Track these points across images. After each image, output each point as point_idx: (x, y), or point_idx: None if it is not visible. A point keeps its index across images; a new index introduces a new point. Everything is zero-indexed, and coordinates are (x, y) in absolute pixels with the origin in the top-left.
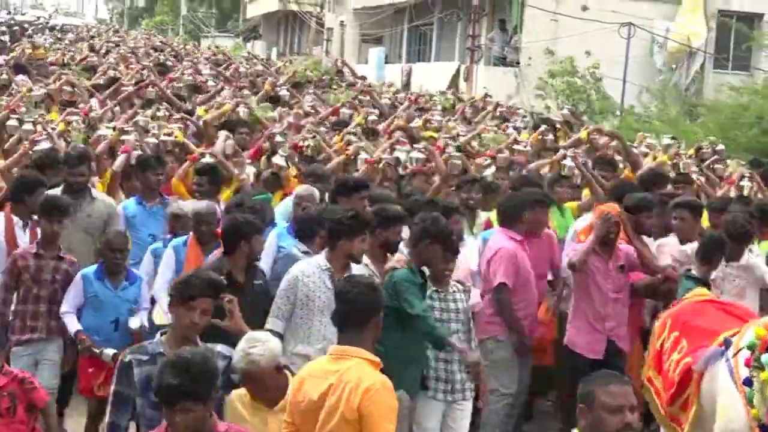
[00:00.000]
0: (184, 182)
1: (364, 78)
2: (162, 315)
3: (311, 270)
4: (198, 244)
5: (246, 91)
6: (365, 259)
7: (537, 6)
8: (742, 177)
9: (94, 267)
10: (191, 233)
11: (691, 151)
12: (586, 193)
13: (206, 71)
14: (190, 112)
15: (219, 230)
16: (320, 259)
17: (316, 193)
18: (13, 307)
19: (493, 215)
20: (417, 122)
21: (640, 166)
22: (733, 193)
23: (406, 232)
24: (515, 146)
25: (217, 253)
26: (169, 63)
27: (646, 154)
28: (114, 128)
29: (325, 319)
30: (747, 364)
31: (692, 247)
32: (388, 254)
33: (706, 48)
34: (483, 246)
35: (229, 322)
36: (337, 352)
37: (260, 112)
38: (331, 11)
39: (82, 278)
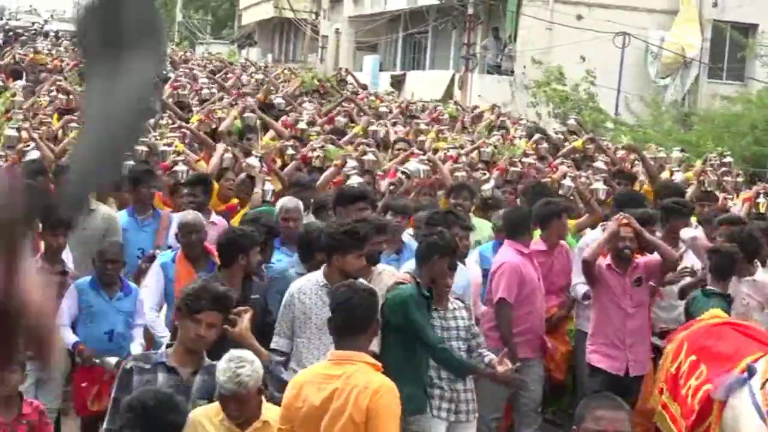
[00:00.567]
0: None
1: (365, 87)
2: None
3: (308, 287)
4: (188, 261)
5: (250, 99)
6: None
7: (532, 15)
8: (758, 194)
9: (88, 278)
10: (179, 249)
11: (698, 163)
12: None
13: (203, 79)
14: (188, 121)
15: (207, 245)
16: (318, 275)
17: (301, 204)
18: None
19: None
20: (430, 133)
21: (658, 178)
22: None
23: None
24: (524, 159)
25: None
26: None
27: (659, 167)
28: None
29: (324, 338)
30: None
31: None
32: (372, 266)
33: (701, 58)
34: (479, 259)
35: (236, 330)
36: (337, 357)
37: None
38: (327, 19)
39: (76, 289)
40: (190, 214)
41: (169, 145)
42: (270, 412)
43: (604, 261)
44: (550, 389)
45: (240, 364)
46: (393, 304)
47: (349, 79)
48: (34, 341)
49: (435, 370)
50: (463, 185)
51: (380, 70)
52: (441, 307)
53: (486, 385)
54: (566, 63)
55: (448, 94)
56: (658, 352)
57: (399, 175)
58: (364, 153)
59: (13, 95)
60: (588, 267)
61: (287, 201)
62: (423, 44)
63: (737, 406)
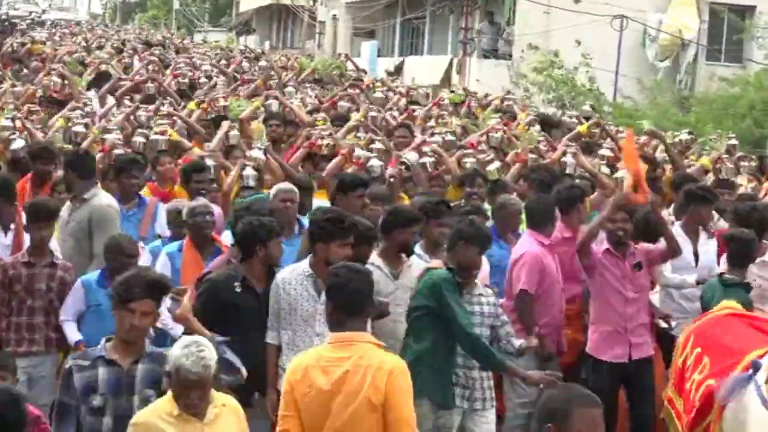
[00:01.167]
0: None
1: (365, 72)
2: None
3: (293, 277)
4: (195, 248)
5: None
6: (378, 260)
7: None
8: None
9: (95, 274)
10: (186, 238)
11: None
12: None
13: (206, 66)
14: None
15: (214, 234)
16: (304, 264)
17: (295, 188)
18: (6, 320)
19: None
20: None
21: (681, 164)
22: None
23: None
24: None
25: (220, 259)
26: (169, 57)
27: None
28: (86, 125)
29: (310, 330)
30: None
31: None
32: (403, 256)
33: (699, 40)
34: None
35: (177, 312)
36: (341, 340)
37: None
38: (324, 5)
39: (83, 285)
40: (197, 201)
41: (162, 133)
42: (221, 398)
43: (600, 247)
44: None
45: (200, 348)
46: (425, 288)
47: (349, 64)
48: None
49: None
50: (477, 173)
51: (378, 56)
52: (467, 292)
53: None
54: (564, 47)
55: (447, 79)
56: (663, 336)
57: (399, 165)
58: (372, 141)
59: (12, 86)
60: (584, 249)
61: (283, 183)
62: (421, 29)
63: (742, 405)
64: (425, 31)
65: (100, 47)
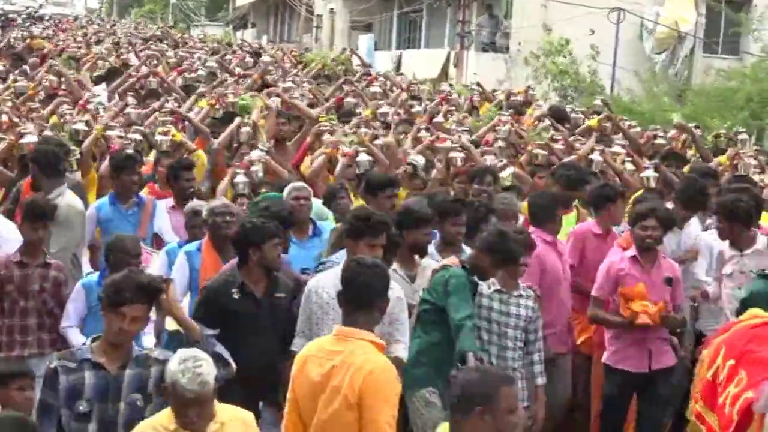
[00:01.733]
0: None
1: (363, 65)
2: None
3: (327, 281)
4: (214, 249)
5: (281, 85)
6: (393, 263)
7: None
8: None
9: (95, 276)
10: (205, 238)
11: (709, 139)
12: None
13: (211, 63)
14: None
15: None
16: (338, 268)
17: (309, 187)
18: None
19: None
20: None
21: (710, 159)
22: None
23: None
24: (553, 144)
25: (230, 264)
26: (169, 53)
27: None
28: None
29: None
30: None
31: None
32: (417, 257)
33: (696, 32)
34: None
35: (164, 302)
36: (342, 333)
37: (251, 101)
38: None
39: (83, 288)
40: (218, 201)
41: (165, 133)
42: (225, 412)
43: (627, 253)
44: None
45: (197, 363)
46: (436, 285)
47: (354, 59)
48: None
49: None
50: (486, 169)
51: (375, 50)
52: (506, 290)
53: (554, 376)
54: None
55: (444, 73)
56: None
57: (406, 166)
58: (375, 137)
59: (15, 81)
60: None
61: (295, 182)
62: (418, 23)
63: None
64: (422, 24)
65: (99, 42)
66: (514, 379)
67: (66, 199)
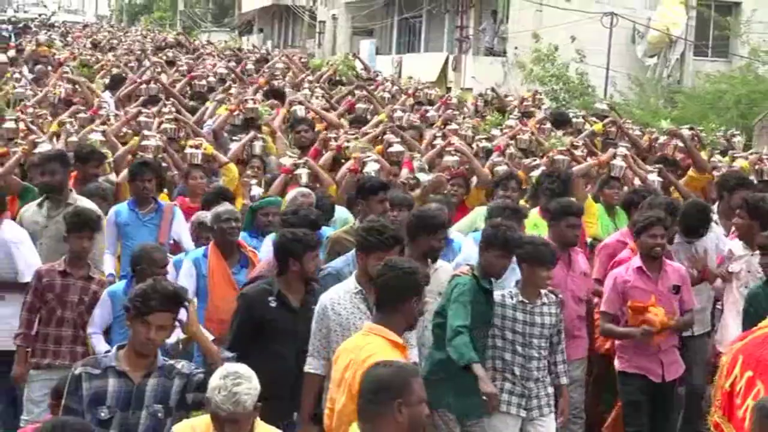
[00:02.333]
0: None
1: (368, 70)
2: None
3: (342, 295)
4: (220, 255)
5: (300, 93)
6: None
7: None
8: None
9: (121, 284)
10: (210, 243)
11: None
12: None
13: (222, 69)
14: (195, 110)
15: (240, 240)
16: (351, 282)
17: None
18: (34, 329)
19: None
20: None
21: (706, 165)
22: None
23: None
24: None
25: (263, 265)
26: (179, 61)
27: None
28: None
29: None
30: None
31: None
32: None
33: (686, 36)
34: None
35: (188, 325)
36: (367, 329)
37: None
38: (324, 5)
39: (109, 297)
40: (222, 207)
41: (197, 146)
42: (262, 429)
43: (633, 264)
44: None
45: (236, 381)
46: (445, 296)
47: (357, 63)
48: None
49: (501, 362)
50: (511, 175)
51: (376, 54)
52: (529, 301)
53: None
54: (556, 43)
55: (443, 76)
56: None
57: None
58: (390, 145)
59: (13, 87)
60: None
61: (302, 188)
62: (417, 28)
63: None
64: (422, 29)
65: (112, 49)
66: (419, 371)
67: (79, 204)
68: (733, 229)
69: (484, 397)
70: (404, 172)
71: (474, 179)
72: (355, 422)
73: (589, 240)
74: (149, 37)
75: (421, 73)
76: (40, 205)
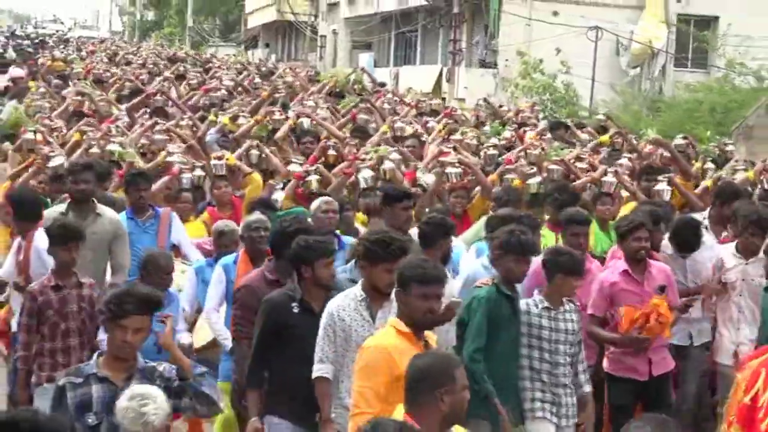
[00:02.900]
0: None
1: (383, 84)
2: (201, 337)
3: (347, 303)
4: (250, 262)
5: (307, 104)
6: None
7: (512, 12)
8: None
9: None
10: (242, 250)
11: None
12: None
13: (227, 81)
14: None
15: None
16: (357, 289)
17: (336, 202)
18: (37, 346)
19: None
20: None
21: (690, 172)
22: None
23: None
24: (578, 163)
25: (255, 273)
26: (191, 74)
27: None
28: (121, 144)
29: None
30: None
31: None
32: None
33: (667, 48)
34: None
35: (161, 338)
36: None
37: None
38: (325, 20)
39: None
40: (254, 216)
41: (220, 158)
42: None
43: (618, 267)
44: None
45: (143, 402)
46: (468, 307)
47: (365, 77)
48: None
49: (529, 370)
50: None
51: (375, 66)
52: (554, 307)
53: None
54: (544, 56)
55: (438, 87)
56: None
57: (416, 188)
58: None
59: (32, 101)
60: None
61: (324, 197)
62: (413, 42)
63: None
64: (417, 43)
65: (128, 63)
66: (461, 360)
67: (108, 212)
68: (725, 234)
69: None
70: (404, 184)
71: (477, 189)
72: (401, 404)
73: None
74: (162, 54)
75: (417, 84)
76: (64, 213)
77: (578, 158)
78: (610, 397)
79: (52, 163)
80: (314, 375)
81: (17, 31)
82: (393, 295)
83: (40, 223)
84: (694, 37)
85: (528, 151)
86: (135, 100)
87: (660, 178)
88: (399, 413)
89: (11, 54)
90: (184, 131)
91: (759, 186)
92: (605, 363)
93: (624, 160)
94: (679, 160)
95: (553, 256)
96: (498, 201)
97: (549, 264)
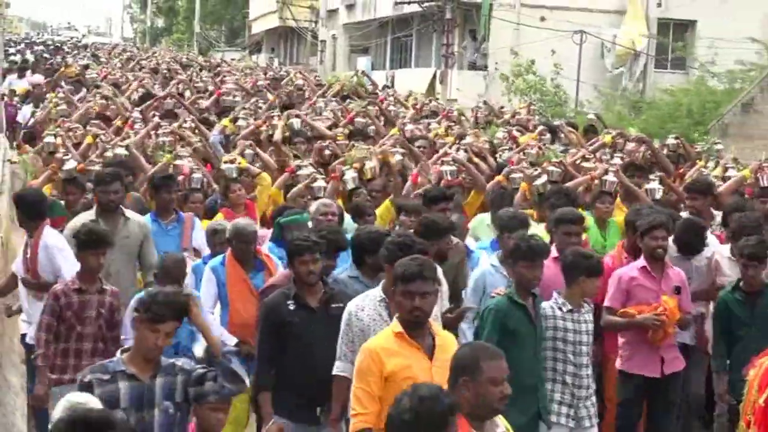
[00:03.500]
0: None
1: (374, 85)
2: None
3: (366, 303)
4: (238, 263)
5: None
6: None
7: (501, 17)
8: None
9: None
10: (228, 251)
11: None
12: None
13: (230, 84)
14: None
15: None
16: (377, 290)
17: (335, 204)
18: (53, 347)
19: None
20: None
21: (671, 170)
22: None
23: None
24: (584, 163)
25: (278, 278)
26: (203, 79)
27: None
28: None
29: None
30: None
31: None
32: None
33: (648, 50)
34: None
35: (193, 314)
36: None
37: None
38: (324, 26)
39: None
40: (243, 221)
41: (232, 161)
42: None
43: (637, 263)
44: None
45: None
46: (481, 318)
47: (366, 80)
48: None
49: (552, 372)
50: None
51: (372, 69)
52: (575, 309)
53: None
54: (532, 58)
55: (431, 89)
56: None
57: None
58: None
59: (56, 105)
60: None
61: (322, 200)
62: (408, 46)
63: None
64: (412, 47)
65: (142, 68)
66: (501, 354)
67: (135, 216)
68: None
69: None
70: (408, 185)
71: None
72: None
73: None
74: (177, 59)
75: (412, 85)
76: (94, 220)
77: (584, 158)
78: (619, 393)
79: (65, 167)
80: (333, 372)
81: (34, 38)
82: None
83: (47, 221)
84: (674, 40)
85: (525, 151)
86: (148, 102)
87: (651, 177)
88: None
89: (29, 59)
90: (187, 133)
91: (756, 183)
92: (617, 361)
93: (617, 160)
94: (661, 158)
95: (575, 258)
96: (492, 203)
97: (571, 266)
